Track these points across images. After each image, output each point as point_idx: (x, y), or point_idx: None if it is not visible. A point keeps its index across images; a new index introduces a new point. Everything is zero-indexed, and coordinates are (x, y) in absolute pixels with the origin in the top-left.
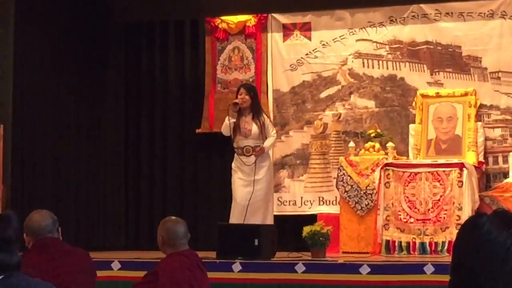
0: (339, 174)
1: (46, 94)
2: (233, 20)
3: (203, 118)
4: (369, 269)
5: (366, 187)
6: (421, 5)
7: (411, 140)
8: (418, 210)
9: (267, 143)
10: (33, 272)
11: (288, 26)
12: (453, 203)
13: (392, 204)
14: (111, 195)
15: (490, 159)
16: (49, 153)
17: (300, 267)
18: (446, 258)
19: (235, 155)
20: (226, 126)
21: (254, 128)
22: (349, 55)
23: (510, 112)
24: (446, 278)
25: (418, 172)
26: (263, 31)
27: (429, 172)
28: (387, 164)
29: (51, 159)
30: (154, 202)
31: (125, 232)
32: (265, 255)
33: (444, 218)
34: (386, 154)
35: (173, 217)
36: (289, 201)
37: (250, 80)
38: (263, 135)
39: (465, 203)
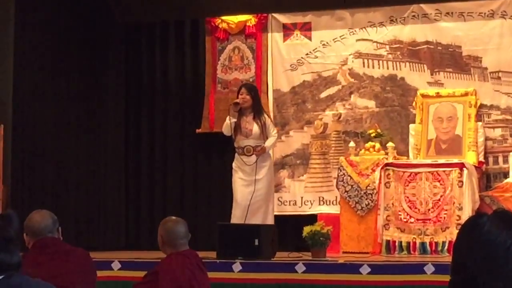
0: (339, 174)
1: (46, 94)
2: (233, 20)
3: (203, 118)
4: (369, 269)
5: (366, 187)
6: (421, 5)
7: (411, 140)
8: (419, 210)
9: (268, 143)
10: (33, 272)
11: (288, 26)
12: (453, 203)
13: (393, 204)
14: (111, 195)
15: (490, 159)
16: (49, 153)
17: (300, 267)
18: (446, 258)
19: (236, 154)
20: (227, 126)
21: (255, 128)
22: (349, 55)
23: (510, 112)
24: (446, 278)
25: (418, 172)
26: (263, 31)
27: (429, 172)
28: (387, 164)
29: (51, 159)
30: (154, 202)
31: (125, 232)
32: (266, 255)
33: (444, 218)
34: (386, 154)
35: (174, 217)
36: (289, 201)
37: (250, 80)
38: (264, 135)
39: (466, 203)
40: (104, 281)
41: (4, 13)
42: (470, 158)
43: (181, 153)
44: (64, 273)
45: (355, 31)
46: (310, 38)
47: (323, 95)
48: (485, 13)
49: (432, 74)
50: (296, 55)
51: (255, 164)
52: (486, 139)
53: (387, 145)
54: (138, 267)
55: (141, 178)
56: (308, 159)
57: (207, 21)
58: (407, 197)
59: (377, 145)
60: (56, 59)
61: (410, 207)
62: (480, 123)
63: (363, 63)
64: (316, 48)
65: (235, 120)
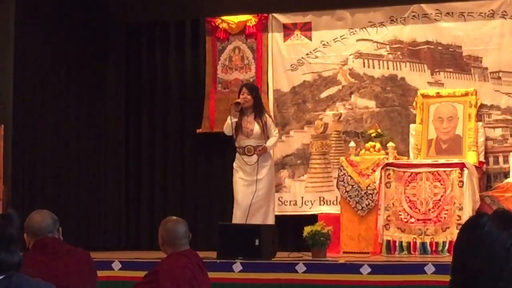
0: (340, 174)
1: (47, 94)
2: (233, 20)
3: (203, 118)
4: (369, 269)
5: (367, 187)
6: (422, 5)
7: (412, 140)
8: (419, 210)
9: (269, 142)
10: (34, 272)
11: (288, 26)
12: (454, 203)
13: (393, 204)
14: (112, 195)
15: (491, 159)
16: (49, 153)
17: (300, 267)
18: (446, 258)
19: (237, 154)
20: (228, 126)
21: (256, 128)
22: (350, 55)
23: (511, 112)
24: (446, 278)
25: (419, 172)
26: (263, 31)
27: (429, 172)
28: (387, 164)
29: (51, 159)
30: (154, 202)
31: (125, 232)
32: (266, 255)
33: (444, 218)
34: (387, 154)
35: (174, 217)
36: (290, 201)
37: (251, 80)
38: (265, 134)
39: (466, 203)
40: (104, 281)
41: (5, 13)
42: (471, 158)
43: (181, 153)
44: (64, 273)
45: (355, 31)
46: (310, 38)
47: (323, 95)
48: (485, 13)
49: (432, 74)
50: (296, 55)
51: (256, 164)
52: (487, 139)
53: (388, 145)
54: (139, 267)
55: (142, 178)
56: (308, 159)
57: (208, 21)
58: (408, 197)
59: (378, 145)
60: (56, 59)
61: (410, 207)
62: (480, 123)
63: (364, 63)
64: (316, 48)
65: (236, 120)
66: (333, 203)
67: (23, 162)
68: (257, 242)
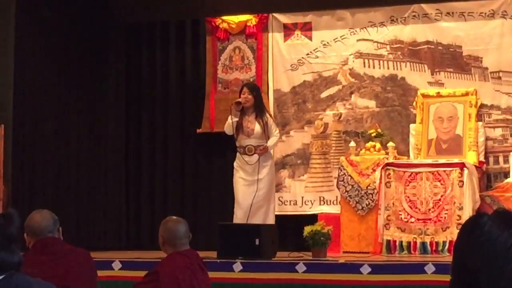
0: (340, 174)
1: (47, 94)
2: (234, 20)
3: (203, 118)
4: (370, 269)
5: (367, 187)
6: (422, 5)
7: (412, 140)
8: (419, 209)
9: (270, 142)
10: (34, 272)
11: (289, 26)
12: (454, 203)
13: (393, 203)
14: (112, 194)
15: (491, 159)
16: (49, 153)
17: (301, 267)
18: (447, 258)
19: (237, 154)
20: (228, 125)
21: (257, 128)
22: (350, 55)
23: (511, 112)
24: (447, 278)
25: (419, 172)
26: (264, 31)
27: (429, 172)
28: (387, 164)
29: (51, 159)
30: (154, 202)
31: (126, 231)
32: (266, 255)
33: (445, 218)
34: (387, 154)
35: (174, 217)
36: (290, 201)
37: (251, 80)
38: (266, 134)
39: (466, 203)
40: (104, 281)
41: (5, 13)
42: (471, 158)
43: (181, 153)
44: (64, 273)
45: (355, 31)
46: (310, 38)
47: (323, 95)
48: (485, 13)
49: (432, 74)
50: (296, 55)
51: (256, 163)
52: (487, 139)
53: (388, 145)
54: (139, 267)
55: (142, 178)
56: (308, 159)
57: (208, 21)
58: (408, 197)
59: (378, 145)
60: (56, 59)
61: (410, 207)
62: (480, 123)
63: (364, 63)
64: (316, 48)
65: (237, 119)
66: (333, 203)
67: (23, 162)
68: (257, 242)
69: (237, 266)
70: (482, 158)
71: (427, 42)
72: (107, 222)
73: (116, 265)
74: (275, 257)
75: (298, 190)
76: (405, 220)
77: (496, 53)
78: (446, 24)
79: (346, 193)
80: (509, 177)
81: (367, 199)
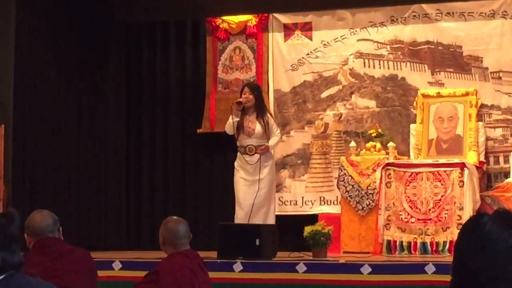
0: (340, 174)
1: (47, 94)
2: (234, 20)
3: (204, 118)
4: (370, 269)
5: (367, 187)
6: (422, 5)
7: (412, 140)
8: (419, 210)
9: (271, 142)
10: (34, 272)
11: (289, 26)
12: (454, 203)
13: (393, 204)
14: (112, 194)
15: (491, 159)
16: (49, 153)
17: (301, 267)
18: (447, 258)
19: (238, 154)
20: (229, 125)
21: (258, 128)
22: (350, 55)
23: (511, 112)
24: (447, 278)
25: (419, 172)
26: (264, 31)
27: (430, 172)
28: (388, 164)
29: (52, 159)
30: (155, 202)
31: (126, 232)
32: (266, 255)
33: (445, 218)
34: (387, 154)
35: (175, 217)
36: (290, 201)
37: (251, 80)
38: (267, 134)
39: (466, 203)
40: (105, 281)
41: (5, 13)
42: (471, 158)
43: (182, 153)
44: (65, 273)
45: (355, 31)
46: (311, 38)
47: (324, 95)
48: (486, 13)
49: (433, 74)
50: (297, 55)
51: (257, 163)
52: (487, 139)
53: (388, 145)
54: (139, 267)
55: (142, 178)
56: (309, 159)
57: (208, 21)
58: (408, 197)
59: (378, 145)
60: (56, 59)
61: (411, 207)
62: (481, 123)
63: (364, 63)
64: (317, 48)
65: (238, 119)
66: (333, 203)
67: (23, 162)
68: (257, 242)
69: (238, 266)
70: (482, 158)
71: (427, 42)
72: (107, 222)
73: (116, 265)
74: (276, 257)
75: (299, 190)
76: (406, 220)
77: (496, 53)
78: (447, 24)
79: (347, 193)
80: (509, 177)
81: (367, 199)
